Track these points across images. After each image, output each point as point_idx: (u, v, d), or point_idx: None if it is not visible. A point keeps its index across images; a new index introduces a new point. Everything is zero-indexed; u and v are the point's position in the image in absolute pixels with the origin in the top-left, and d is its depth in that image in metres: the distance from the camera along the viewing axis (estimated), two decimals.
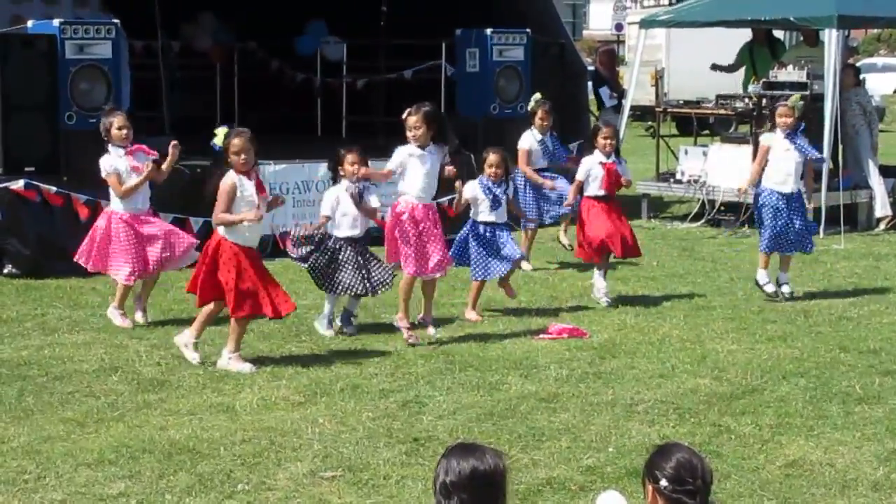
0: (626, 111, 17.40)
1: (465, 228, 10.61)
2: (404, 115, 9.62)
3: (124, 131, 10.13)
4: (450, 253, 10.28)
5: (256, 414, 7.77)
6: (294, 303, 9.19)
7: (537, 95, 13.07)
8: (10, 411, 7.81)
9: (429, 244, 9.64)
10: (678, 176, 16.57)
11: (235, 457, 6.94)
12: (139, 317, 10.23)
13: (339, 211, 9.99)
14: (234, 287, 8.74)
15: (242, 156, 8.74)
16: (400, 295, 9.75)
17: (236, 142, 8.74)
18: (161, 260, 10.19)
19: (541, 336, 9.86)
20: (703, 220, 15.83)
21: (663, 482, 4.13)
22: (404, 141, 9.73)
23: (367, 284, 9.89)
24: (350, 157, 10.00)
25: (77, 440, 7.22)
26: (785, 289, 11.20)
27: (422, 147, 9.61)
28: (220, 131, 8.78)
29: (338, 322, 10.03)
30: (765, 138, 11.49)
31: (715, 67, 17.53)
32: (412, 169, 9.62)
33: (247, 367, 8.79)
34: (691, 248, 14.33)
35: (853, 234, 14.93)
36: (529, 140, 12.71)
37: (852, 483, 6.63)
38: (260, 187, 8.88)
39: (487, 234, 10.45)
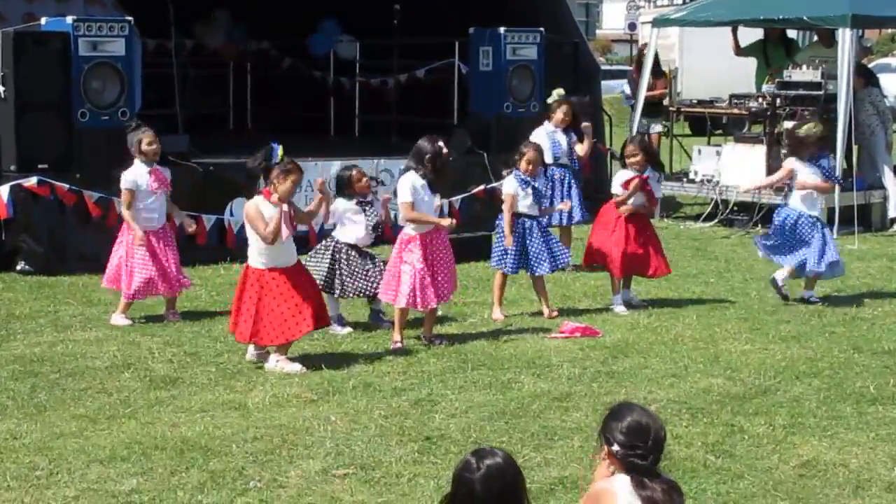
0: (639, 110, 17.38)
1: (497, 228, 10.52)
2: (443, 148, 9.42)
3: (154, 146, 10.18)
4: (493, 263, 10.50)
5: (268, 411, 7.77)
6: (301, 330, 8.84)
7: (560, 91, 12.93)
8: (23, 408, 7.82)
9: (436, 274, 9.43)
10: (691, 176, 16.56)
11: (247, 454, 6.94)
12: (172, 317, 10.31)
13: (346, 217, 9.96)
14: (239, 308, 8.75)
15: (295, 188, 8.76)
16: (395, 324, 9.53)
17: (299, 176, 8.73)
18: (172, 286, 10.27)
19: (553, 335, 9.85)
20: (716, 220, 15.81)
21: (615, 447, 4.31)
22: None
23: (369, 284, 9.95)
24: (356, 174, 10.04)
25: (89, 437, 7.22)
26: (813, 299, 11.15)
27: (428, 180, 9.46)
28: (280, 147, 8.72)
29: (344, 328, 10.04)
30: (788, 162, 11.19)
31: (735, 39, 17.34)
32: (424, 199, 9.41)
33: (295, 367, 8.74)
34: (704, 248, 14.31)
35: (867, 235, 14.89)
36: (541, 135, 12.62)
37: (866, 484, 6.61)
38: (289, 220, 8.72)
39: (520, 227, 10.37)
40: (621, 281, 10.94)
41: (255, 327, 8.69)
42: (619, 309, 10.79)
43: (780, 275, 11.10)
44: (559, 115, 12.47)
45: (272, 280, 8.71)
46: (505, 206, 10.42)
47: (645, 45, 18.04)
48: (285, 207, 8.68)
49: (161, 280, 10.17)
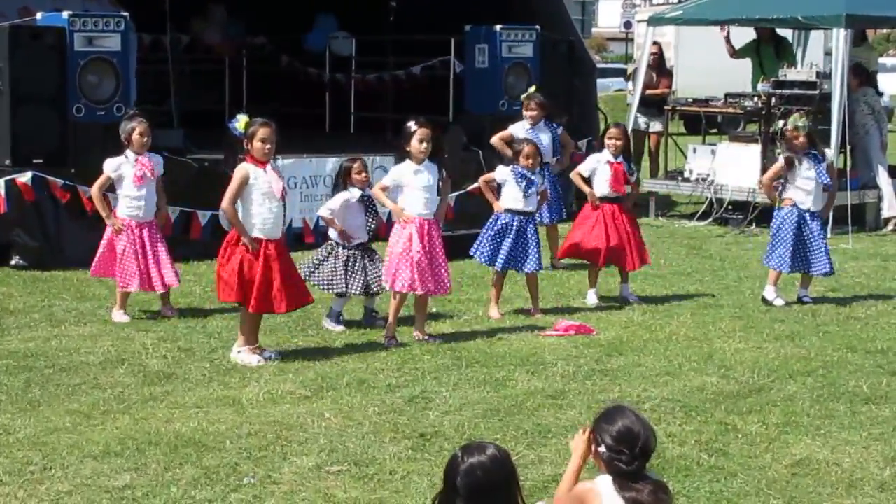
0: (634, 108, 17.38)
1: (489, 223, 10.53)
2: (413, 129, 9.42)
3: (145, 138, 10.17)
4: (471, 251, 10.52)
5: (262, 407, 7.77)
6: (299, 301, 9.03)
7: (531, 88, 13.01)
8: (17, 402, 7.81)
9: (430, 262, 9.43)
10: (686, 174, 16.56)
11: (241, 450, 6.94)
12: (170, 312, 10.28)
13: (348, 218, 9.93)
14: (220, 272, 8.77)
15: (268, 145, 8.74)
16: (390, 313, 9.53)
17: (265, 131, 8.71)
18: (162, 279, 10.23)
19: (548, 333, 9.85)
20: (710, 219, 15.82)
21: (602, 448, 4.33)
22: None
23: (371, 282, 9.93)
24: (356, 167, 10.00)
25: (83, 432, 7.22)
26: (806, 299, 11.13)
27: (420, 162, 9.46)
28: (242, 117, 8.76)
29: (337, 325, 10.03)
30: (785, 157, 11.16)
31: (729, 43, 17.37)
32: (413, 184, 9.43)
33: (254, 360, 8.79)
34: (699, 246, 14.32)
35: (861, 235, 14.91)
36: (518, 129, 12.62)
37: (859, 483, 6.62)
38: (278, 179, 8.82)
39: (514, 223, 10.39)
40: (598, 274, 11.07)
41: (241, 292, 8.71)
42: (592, 301, 10.92)
43: (769, 293, 11.04)
44: (528, 110, 12.57)
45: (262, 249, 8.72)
46: (483, 177, 10.76)
47: (656, 43, 17.95)
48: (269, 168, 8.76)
49: (155, 277, 10.13)
